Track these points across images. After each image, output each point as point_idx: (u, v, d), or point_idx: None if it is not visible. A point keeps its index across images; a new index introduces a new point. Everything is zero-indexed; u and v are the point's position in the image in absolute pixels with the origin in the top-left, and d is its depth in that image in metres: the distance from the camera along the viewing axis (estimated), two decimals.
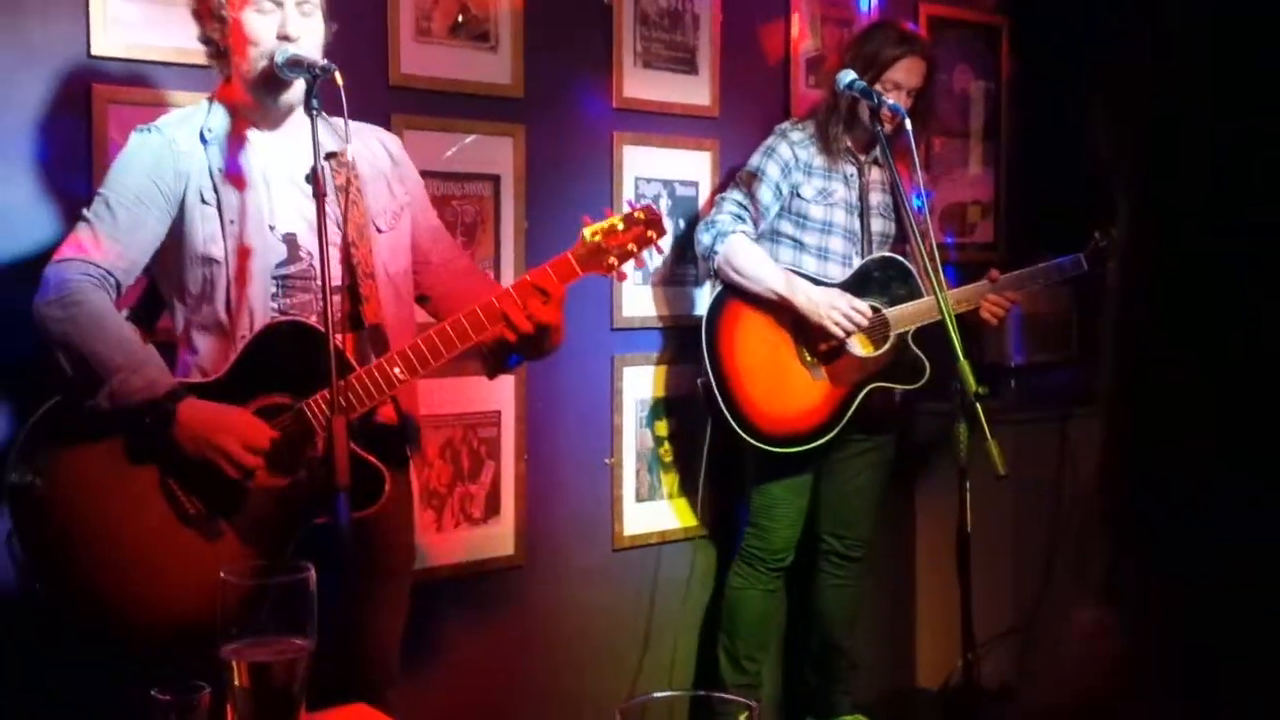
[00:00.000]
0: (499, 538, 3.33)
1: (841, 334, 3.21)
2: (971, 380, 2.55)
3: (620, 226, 2.25)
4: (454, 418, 3.24)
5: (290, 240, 2.26)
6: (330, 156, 2.24)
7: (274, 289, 2.23)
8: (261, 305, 2.21)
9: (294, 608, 1.11)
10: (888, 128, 3.00)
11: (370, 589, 2.33)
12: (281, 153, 2.28)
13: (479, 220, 3.24)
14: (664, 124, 3.58)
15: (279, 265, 2.24)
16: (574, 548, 3.49)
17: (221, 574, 1.11)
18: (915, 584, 3.90)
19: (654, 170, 3.56)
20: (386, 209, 2.38)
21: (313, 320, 2.21)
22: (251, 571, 1.17)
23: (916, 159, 2.83)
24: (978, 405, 2.56)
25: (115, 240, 2.17)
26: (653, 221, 2.26)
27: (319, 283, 2.22)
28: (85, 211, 2.21)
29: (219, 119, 2.26)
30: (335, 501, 1.81)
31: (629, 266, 2.30)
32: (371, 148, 2.41)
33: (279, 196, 2.26)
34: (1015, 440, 3.52)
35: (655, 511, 3.65)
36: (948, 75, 4.26)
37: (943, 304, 2.66)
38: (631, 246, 2.25)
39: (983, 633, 2.92)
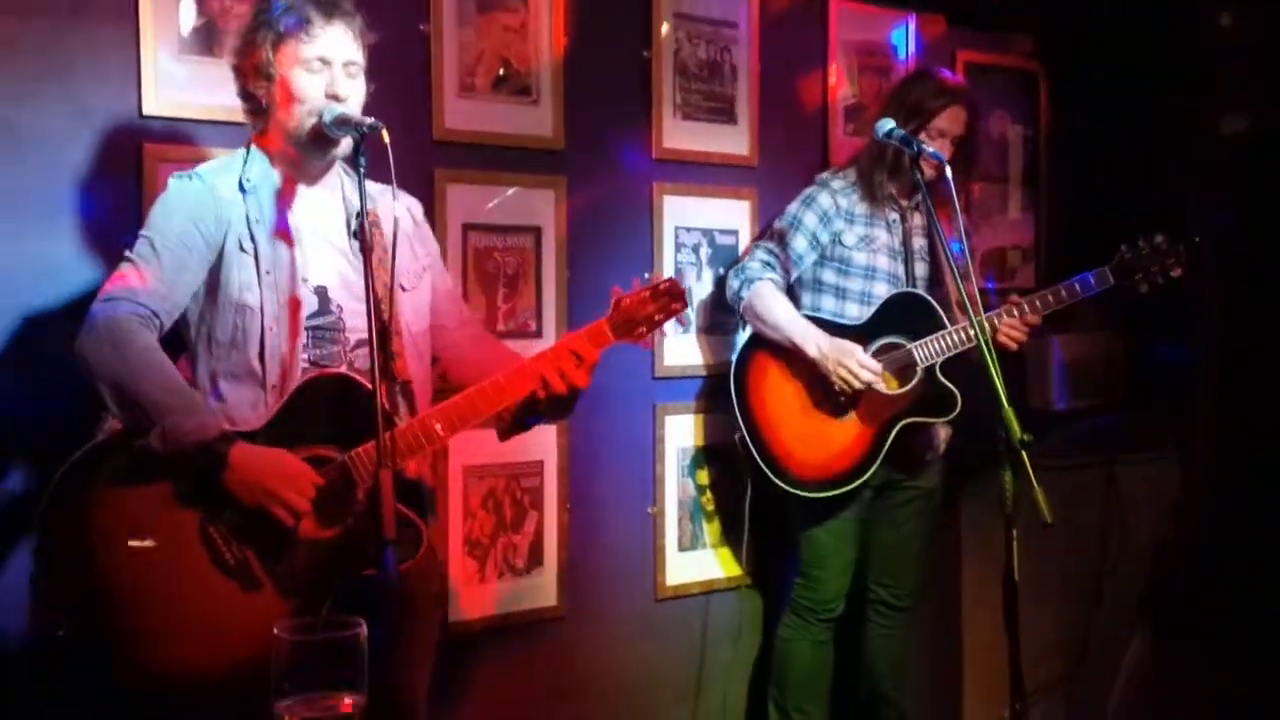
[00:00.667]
0: (542, 588, 3.33)
1: (848, 390, 3.21)
2: (1017, 428, 2.53)
3: (648, 297, 2.34)
4: (497, 468, 3.25)
5: (322, 293, 2.29)
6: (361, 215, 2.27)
7: (305, 339, 2.26)
8: (294, 356, 2.23)
9: (344, 663, 1.11)
10: (929, 173, 3.01)
11: (399, 642, 2.33)
12: (315, 207, 2.32)
13: (521, 272, 3.27)
14: (703, 174, 3.61)
15: (310, 316, 2.27)
16: (617, 598, 3.48)
17: (275, 630, 1.12)
18: (962, 633, 3.84)
19: (694, 220, 3.58)
20: (409, 269, 2.40)
21: (343, 370, 2.24)
22: (303, 627, 1.18)
23: (957, 205, 2.82)
24: (1023, 453, 2.53)
25: (160, 281, 2.18)
26: (676, 294, 2.35)
27: (347, 335, 2.28)
28: (129, 252, 2.22)
29: (257, 169, 2.29)
30: (382, 554, 1.82)
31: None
32: (395, 209, 2.44)
33: (312, 249, 2.29)
34: (1060, 486, 3.47)
35: (698, 561, 3.63)
36: (985, 121, 4.26)
37: (986, 351, 2.63)
38: (658, 317, 2.34)
39: (1031, 682, 2.87)
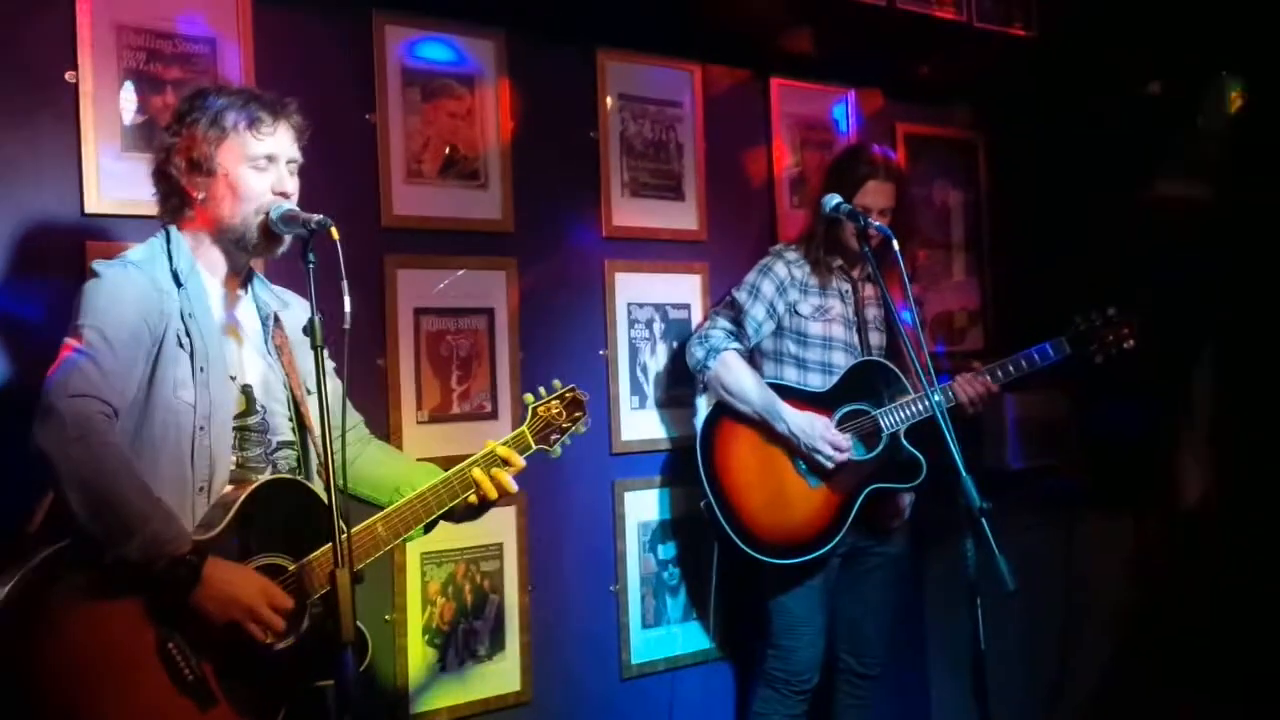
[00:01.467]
0: (505, 674, 3.27)
1: (830, 466, 3.22)
2: (976, 496, 2.54)
3: (556, 405, 2.48)
4: (455, 553, 3.21)
5: (248, 392, 2.25)
6: (272, 318, 2.32)
7: (234, 440, 2.21)
8: (224, 455, 2.18)
9: None
10: (873, 244, 3.04)
11: None
12: (237, 304, 2.30)
13: (474, 354, 3.26)
14: (653, 250, 3.63)
15: (238, 416, 2.23)
16: (582, 680, 3.43)
17: None
18: (930, 703, 3.83)
19: (646, 295, 3.60)
20: (310, 372, 2.28)
21: (293, 477, 2.25)
22: None
23: (905, 275, 2.85)
24: (983, 521, 2.54)
25: (117, 377, 2.06)
26: (577, 403, 2.50)
27: (270, 436, 2.27)
28: (78, 345, 2.07)
29: (184, 261, 2.22)
30: (341, 658, 1.78)
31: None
32: (295, 314, 2.40)
33: (238, 347, 2.26)
34: (1021, 548, 3.48)
35: (663, 638, 3.59)
36: (928, 189, 4.35)
37: (942, 421, 2.64)
38: (565, 425, 2.48)
39: None
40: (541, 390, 2.49)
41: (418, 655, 3.12)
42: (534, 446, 2.44)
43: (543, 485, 3.33)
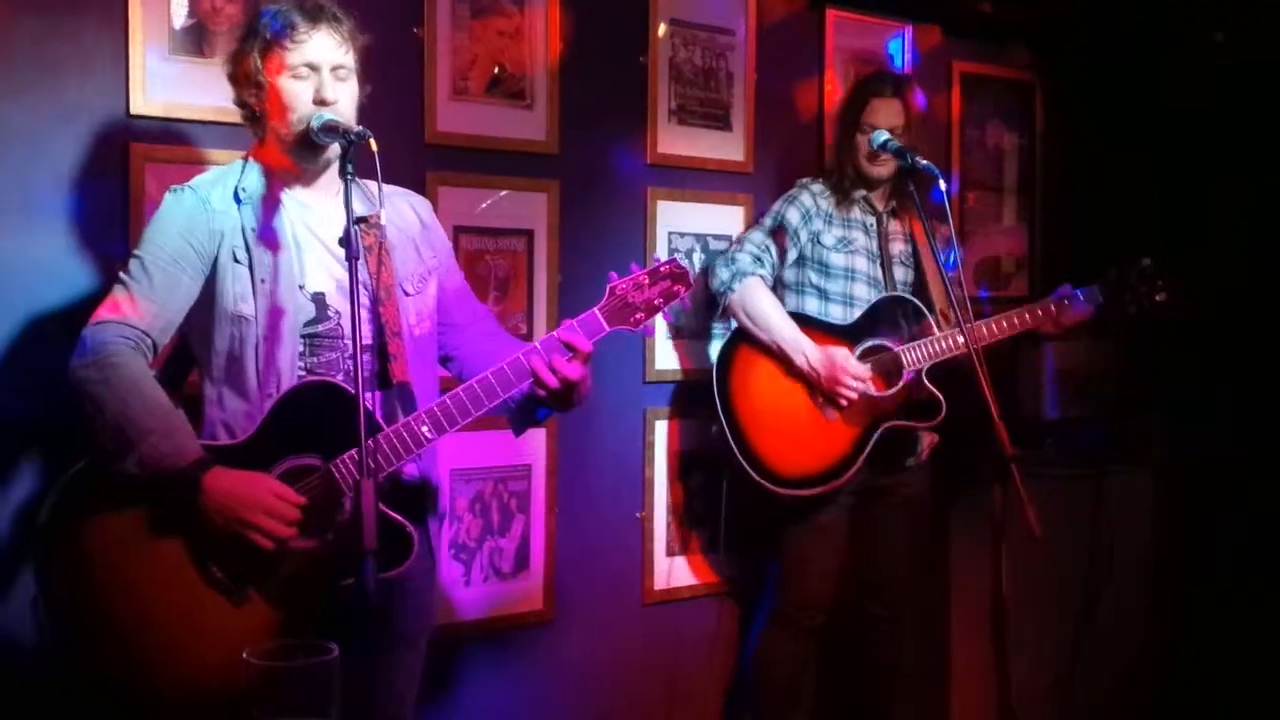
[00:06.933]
0: (528, 593, 3.31)
1: (850, 397, 3.19)
2: (1007, 442, 2.52)
3: (646, 282, 2.28)
4: (484, 471, 3.24)
5: (319, 299, 2.27)
6: (360, 220, 2.24)
7: (301, 347, 2.24)
8: (289, 364, 2.21)
9: (317, 690, 1.10)
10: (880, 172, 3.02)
11: (387, 652, 2.32)
12: (314, 213, 2.30)
13: (512, 275, 3.26)
14: (698, 179, 3.59)
15: (307, 324, 2.25)
16: (604, 603, 3.47)
17: (244, 655, 1.10)
18: (950, 646, 3.83)
19: (687, 225, 3.57)
20: (414, 273, 2.38)
21: (339, 379, 2.22)
22: (275, 652, 1.16)
23: (950, 216, 2.81)
24: (1013, 467, 2.52)
25: (151, 301, 2.18)
26: (678, 275, 2.28)
27: (346, 341, 2.25)
28: (121, 274, 2.22)
29: (253, 179, 2.28)
30: (362, 565, 1.80)
31: (658, 320, 2.32)
32: (401, 211, 2.42)
33: (309, 256, 2.27)
34: (1051, 496, 3.47)
35: (686, 566, 3.62)
36: (981, 130, 4.27)
37: (977, 361, 2.61)
38: (658, 302, 2.27)
39: (1019, 697, 2.86)
40: (634, 267, 2.30)
41: (443, 569, 3.16)
42: (607, 328, 2.25)
43: (574, 411, 3.34)
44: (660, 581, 3.57)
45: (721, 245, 3.62)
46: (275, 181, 2.28)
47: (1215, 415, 4.12)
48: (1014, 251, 4.41)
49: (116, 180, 2.64)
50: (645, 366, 3.50)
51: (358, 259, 2.06)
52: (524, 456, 3.29)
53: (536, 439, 3.29)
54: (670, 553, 3.59)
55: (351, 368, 2.21)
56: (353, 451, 2.10)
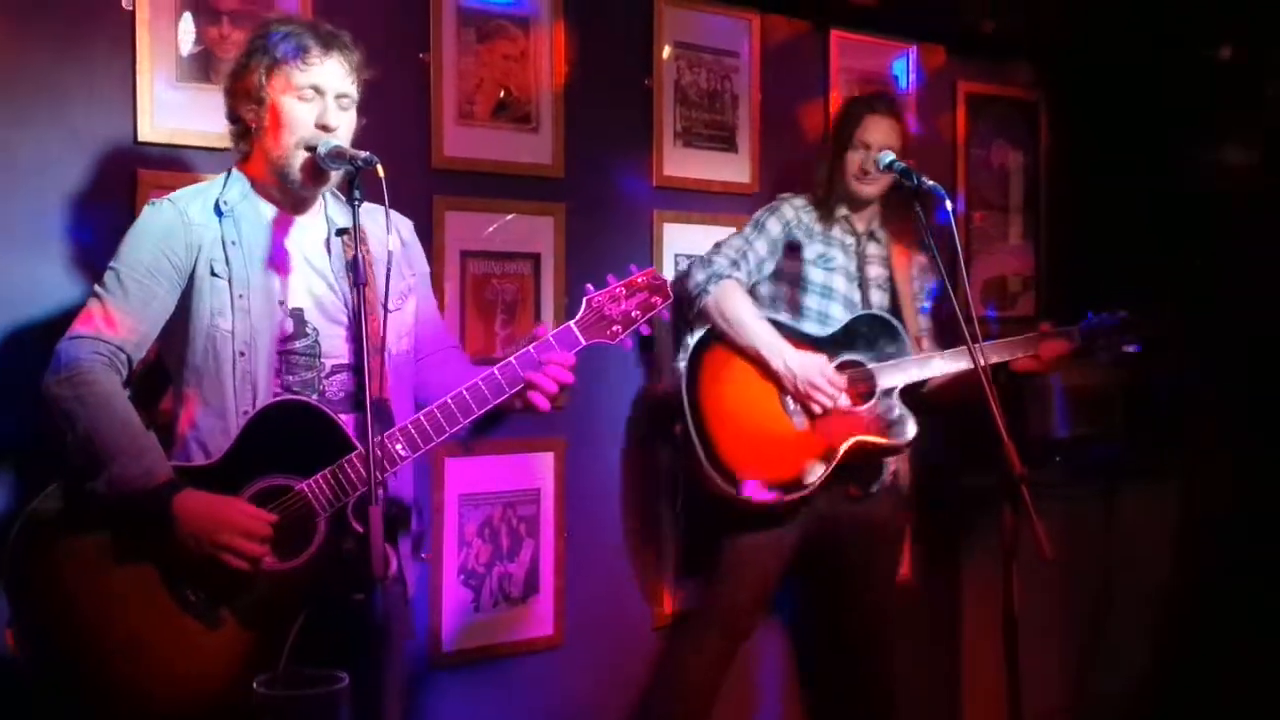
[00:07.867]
0: (537, 617, 3.30)
1: (818, 410, 3.12)
2: (1016, 462, 2.50)
3: (623, 294, 2.28)
4: (493, 496, 3.23)
5: (297, 315, 2.25)
6: (342, 233, 2.24)
7: (278, 364, 2.22)
8: (265, 381, 2.20)
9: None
10: (869, 191, 3.09)
11: (369, 677, 2.30)
12: (296, 229, 2.30)
13: (519, 298, 3.26)
14: (704, 201, 3.59)
15: (284, 341, 2.23)
16: (613, 628, 3.45)
17: (255, 685, 1.10)
18: (962, 667, 3.81)
19: (694, 247, 3.55)
20: (395, 289, 2.33)
21: (313, 399, 2.21)
22: (285, 681, 1.15)
23: (957, 237, 2.78)
24: (1023, 487, 2.51)
25: (127, 314, 2.16)
26: (656, 287, 2.28)
27: (323, 360, 2.25)
28: (96, 287, 2.21)
29: (236, 192, 2.27)
30: (371, 592, 1.79)
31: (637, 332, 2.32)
32: (383, 227, 2.40)
33: (289, 272, 2.26)
34: (1061, 516, 3.45)
35: (696, 590, 3.60)
36: (986, 150, 4.28)
37: (985, 381, 2.59)
38: (635, 314, 2.27)
39: (1031, 716, 2.84)
40: (610, 279, 2.29)
41: (451, 595, 3.15)
42: (583, 341, 2.26)
43: (582, 432, 3.34)
44: (670, 605, 3.55)
45: None
46: (259, 196, 2.28)
47: (1229, 432, 4.11)
48: (1020, 270, 4.41)
49: (124, 206, 2.64)
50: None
51: (366, 285, 2.06)
52: (533, 480, 3.28)
53: (544, 462, 3.28)
54: (680, 576, 3.57)
55: (326, 390, 2.24)
56: (325, 472, 2.12)
